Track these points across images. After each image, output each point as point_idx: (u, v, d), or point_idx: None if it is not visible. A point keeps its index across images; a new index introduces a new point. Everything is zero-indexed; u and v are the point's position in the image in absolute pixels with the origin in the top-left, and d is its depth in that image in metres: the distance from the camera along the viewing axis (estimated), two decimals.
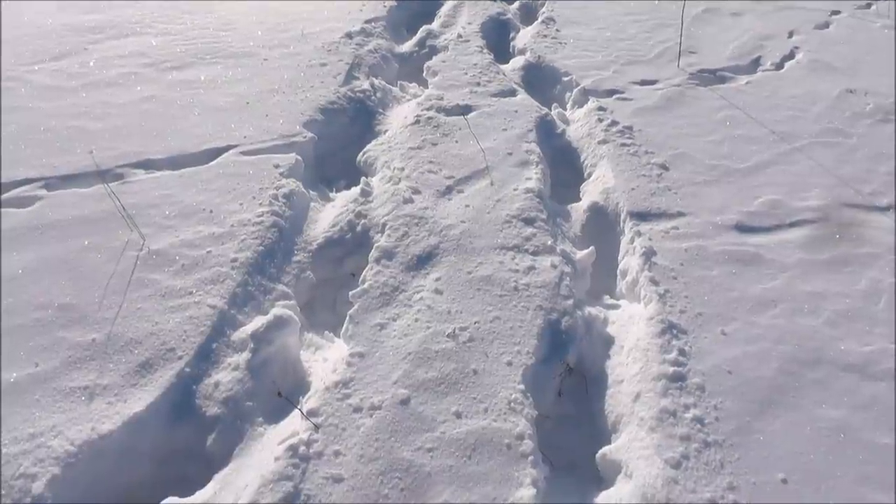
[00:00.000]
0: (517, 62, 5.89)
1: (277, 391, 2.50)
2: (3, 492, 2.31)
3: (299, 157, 4.23)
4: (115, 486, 2.52)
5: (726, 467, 2.40)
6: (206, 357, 2.87)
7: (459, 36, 6.24)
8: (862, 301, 3.16)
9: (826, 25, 6.59)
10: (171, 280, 3.22)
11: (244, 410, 2.71)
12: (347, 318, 3.07)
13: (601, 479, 2.60)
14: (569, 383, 2.94)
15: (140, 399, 2.66)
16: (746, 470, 2.39)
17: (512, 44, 6.47)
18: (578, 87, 5.23)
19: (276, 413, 2.72)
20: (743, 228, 3.61)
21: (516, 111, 4.84)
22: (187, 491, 2.47)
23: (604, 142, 4.44)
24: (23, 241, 3.44)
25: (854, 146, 4.43)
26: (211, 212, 3.67)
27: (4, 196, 3.79)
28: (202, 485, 2.49)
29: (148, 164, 4.12)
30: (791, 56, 5.85)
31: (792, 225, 3.66)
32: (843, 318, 3.05)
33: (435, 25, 6.68)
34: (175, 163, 4.15)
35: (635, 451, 2.50)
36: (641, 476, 2.38)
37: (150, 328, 2.96)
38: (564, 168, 4.48)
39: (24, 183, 3.90)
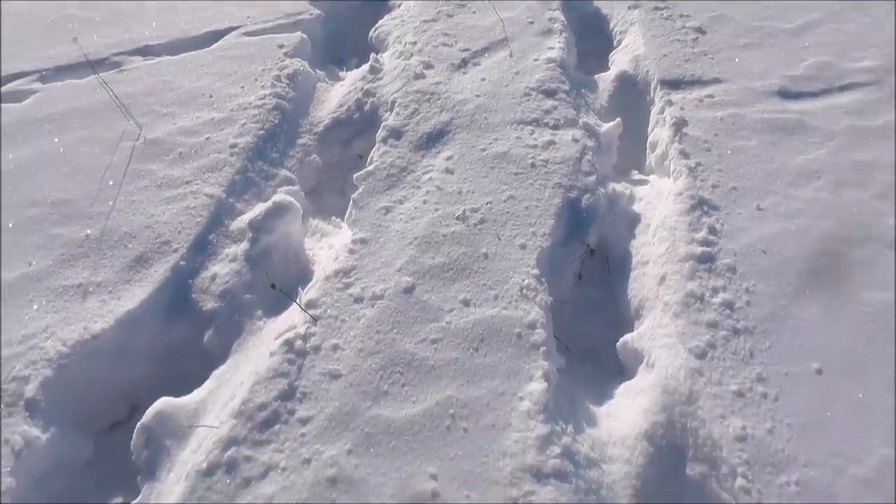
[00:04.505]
0: None
1: (271, 283, 2.33)
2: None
3: (305, 36, 3.96)
4: (111, 387, 2.43)
5: (756, 356, 2.17)
6: (202, 249, 2.73)
7: None
8: None
9: None
10: (168, 169, 3.05)
11: (242, 304, 2.56)
12: (350, 202, 2.86)
13: (622, 368, 2.41)
14: (590, 266, 2.72)
15: (134, 296, 2.54)
16: (778, 359, 2.16)
17: None
18: None
19: (276, 306, 2.57)
20: (786, 94, 3.26)
21: None
22: (186, 390, 2.35)
23: (635, 6, 4.05)
24: (17, 137, 3.30)
25: None
26: (210, 97, 3.46)
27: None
28: (200, 382, 2.38)
29: (146, 51, 3.92)
30: None
31: (842, 89, 3.30)
32: (894, 191, 2.73)
33: None
34: (174, 48, 3.94)
35: (658, 339, 2.28)
36: (663, 367, 2.17)
37: (145, 221, 2.82)
38: (592, 36, 4.13)
39: (18, 76, 3.74)
